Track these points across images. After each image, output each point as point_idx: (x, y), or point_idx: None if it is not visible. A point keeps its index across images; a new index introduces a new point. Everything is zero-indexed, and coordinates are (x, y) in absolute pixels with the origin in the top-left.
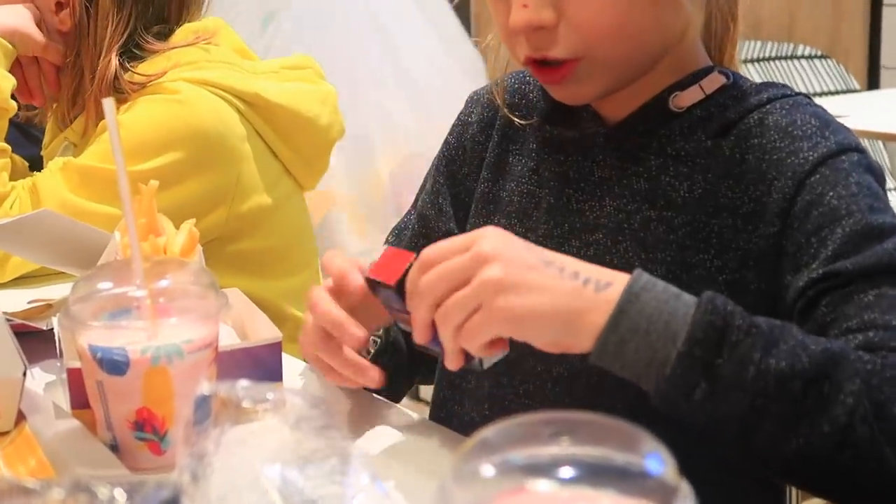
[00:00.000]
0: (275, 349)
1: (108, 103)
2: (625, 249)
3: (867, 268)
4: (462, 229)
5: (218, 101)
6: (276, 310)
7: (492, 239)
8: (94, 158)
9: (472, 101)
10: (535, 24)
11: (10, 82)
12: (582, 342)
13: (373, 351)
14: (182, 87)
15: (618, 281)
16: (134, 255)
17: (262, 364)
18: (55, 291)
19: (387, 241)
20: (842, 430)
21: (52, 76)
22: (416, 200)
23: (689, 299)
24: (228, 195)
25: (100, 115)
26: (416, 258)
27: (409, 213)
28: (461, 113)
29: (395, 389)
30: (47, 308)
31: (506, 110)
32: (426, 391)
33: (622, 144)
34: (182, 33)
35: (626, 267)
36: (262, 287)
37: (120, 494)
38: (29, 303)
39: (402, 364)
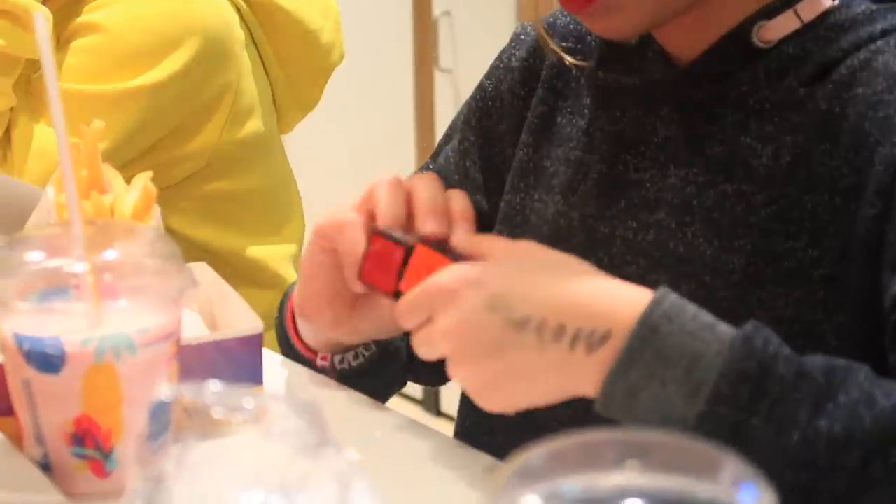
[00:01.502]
0: (253, 343)
1: (40, 18)
2: (693, 234)
3: None
4: (493, 205)
5: None
6: (259, 271)
7: (451, 309)
8: (73, 76)
9: (517, 39)
10: None
11: None
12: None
13: (353, 365)
14: None
15: (622, 324)
16: (73, 217)
17: (237, 362)
18: None
19: None
20: None
21: None
22: (437, 152)
23: (724, 333)
24: (223, 113)
25: (70, 12)
26: (414, 248)
27: (426, 164)
28: (503, 52)
29: (387, 393)
30: None
31: (555, 46)
32: (448, 404)
33: (692, 94)
34: None
35: (694, 257)
36: (243, 242)
37: None
38: None
39: (399, 370)
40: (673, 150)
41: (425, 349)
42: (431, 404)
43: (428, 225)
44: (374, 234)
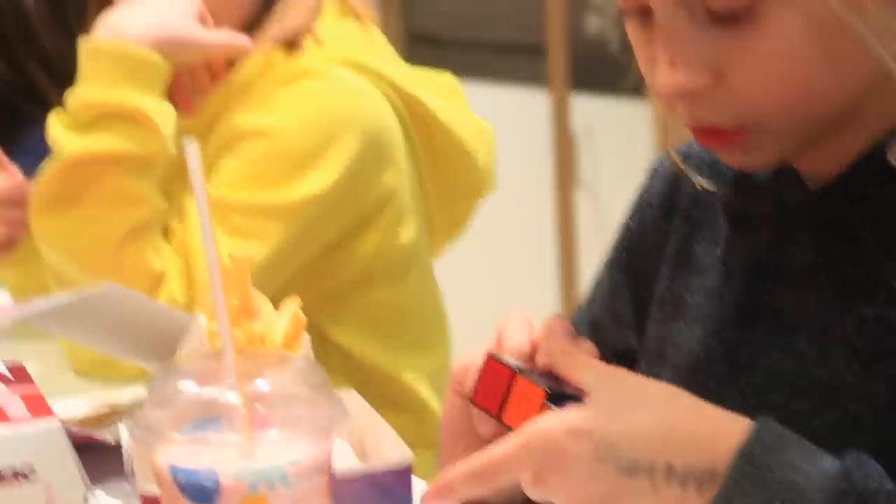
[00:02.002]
0: (404, 475)
1: (192, 148)
2: (835, 359)
3: None
4: (642, 341)
5: (380, 97)
6: (407, 393)
7: (559, 466)
8: (245, 184)
9: (654, 174)
10: (686, 91)
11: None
12: None
13: None
14: (335, 73)
15: (725, 455)
16: (225, 345)
17: (388, 494)
18: (120, 391)
19: None
20: None
21: (222, 73)
22: (590, 298)
23: (826, 465)
24: (385, 217)
25: (228, 93)
26: (515, 377)
27: (580, 308)
28: (643, 189)
29: None
30: (113, 414)
31: (690, 174)
32: None
33: (828, 217)
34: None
35: (836, 384)
36: (399, 361)
37: None
38: (89, 407)
39: None
40: (810, 275)
41: (538, 497)
42: None
43: (544, 358)
44: (488, 355)
